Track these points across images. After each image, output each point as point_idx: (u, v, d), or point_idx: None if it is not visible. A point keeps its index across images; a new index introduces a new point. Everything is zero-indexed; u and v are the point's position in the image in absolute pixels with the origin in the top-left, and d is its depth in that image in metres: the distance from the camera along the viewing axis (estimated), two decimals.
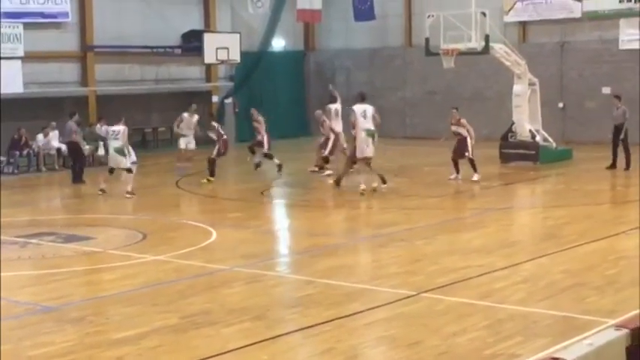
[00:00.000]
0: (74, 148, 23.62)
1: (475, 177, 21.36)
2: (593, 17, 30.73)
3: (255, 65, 33.92)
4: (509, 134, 25.48)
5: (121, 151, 20.21)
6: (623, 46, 30.24)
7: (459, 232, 15.58)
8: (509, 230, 16.33)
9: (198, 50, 31.28)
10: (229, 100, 33.38)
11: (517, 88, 25.48)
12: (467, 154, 21.34)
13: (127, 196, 19.97)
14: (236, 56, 31.93)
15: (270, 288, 11.79)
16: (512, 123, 25.38)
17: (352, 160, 20.12)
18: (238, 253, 13.97)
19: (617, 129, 23.42)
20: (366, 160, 19.72)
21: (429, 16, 25.88)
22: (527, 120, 25.38)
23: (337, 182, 20.57)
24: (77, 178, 23.14)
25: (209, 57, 31.26)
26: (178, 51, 32.71)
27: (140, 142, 30.97)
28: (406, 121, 34.97)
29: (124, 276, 12.38)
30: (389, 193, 20.19)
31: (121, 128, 20.28)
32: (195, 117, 24.85)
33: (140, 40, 31.19)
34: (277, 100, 35.38)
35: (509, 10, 32.20)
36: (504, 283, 11.45)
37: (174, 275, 12.40)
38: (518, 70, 25.40)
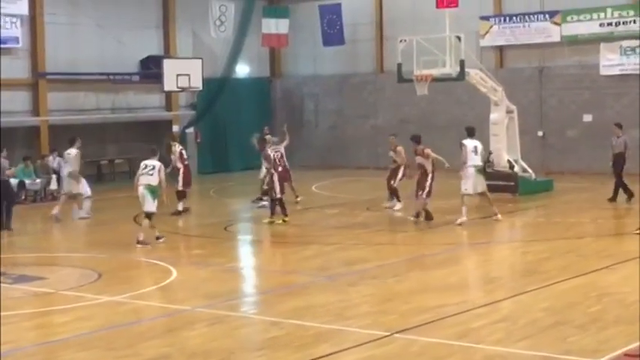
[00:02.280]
0: (5, 187, 21.35)
1: (397, 206, 22.36)
2: (573, 42, 31.15)
3: (218, 92, 33.97)
4: (487, 164, 25.59)
5: (74, 176, 20.17)
6: (603, 71, 30.64)
7: (434, 269, 15.64)
8: (486, 266, 16.42)
9: (158, 77, 31.31)
10: (191, 130, 33.37)
11: (494, 115, 25.70)
12: (392, 182, 22.18)
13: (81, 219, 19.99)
14: (198, 83, 32.00)
15: (234, 330, 11.75)
16: (490, 153, 25.54)
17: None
18: (200, 292, 13.92)
19: (617, 159, 23.49)
20: (482, 195, 20.91)
21: (401, 40, 26.07)
22: (505, 149, 25.59)
23: (428, 216, 20.74)
24: (6, 224, 20.83)
25: (169, 84, 31.30)
26: (136, 78, 32.71)
27: (95, 175, 30.85)
28: (378, 151, 35.07)
29: (77, 318, 12.28)
30: (359, 228, 20.25)
31: (73, 152, 20.26)
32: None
33: (96, 66, 31.18)
34: (242, 130, 35.35)
35: (485, 34, 32.56)
36: (482, 322, 11.49)
37: (131, 317, 12.34)
38: (495, 96, 25.63)
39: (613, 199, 23.24)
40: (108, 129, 32.28)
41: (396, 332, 11.03)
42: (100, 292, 13.87)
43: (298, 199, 24.20)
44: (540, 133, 31.67)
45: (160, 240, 18.38)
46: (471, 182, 20.36)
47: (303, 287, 14.32)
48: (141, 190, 18.40)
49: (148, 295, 13.65)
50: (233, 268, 16.75)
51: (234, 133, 34.32)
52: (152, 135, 33.77)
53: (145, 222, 18.50)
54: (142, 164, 18.75)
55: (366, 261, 16.29)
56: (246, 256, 18.74)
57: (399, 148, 22.51)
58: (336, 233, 19.75)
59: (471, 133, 20.83)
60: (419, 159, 20.96)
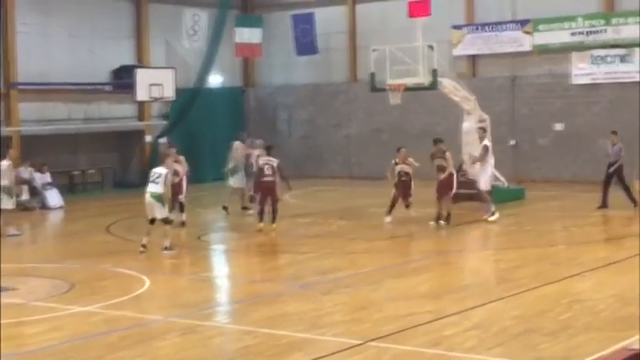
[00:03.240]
0: None
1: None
2: (544, 51, 31.39)
3: (191, 102, 33.89)
4: (459, 173, 25.71)
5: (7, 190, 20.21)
6: (574, 80, 30.91)
7: (407, 277, 15.69)
8: (459, 274, 16.50)
9: (130, 87, 31.20)
10: (164, 140, 33.26)
11: (466, 124, 25.83)
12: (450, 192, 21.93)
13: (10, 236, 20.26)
14: (170, 93, 31.92)
15: (208, 339, 11.72)
16: (462, 162, 25.66)
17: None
18: (173, 302, 13.91)
19: (612, 167, 23.58)
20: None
21: (374, 50, 26.19)
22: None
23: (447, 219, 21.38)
24: None
25: (141, 94, 31.21)
26: (108, 88, 32.61)
27: (67, 185, 30.73)
28: (351, 161, 35.20)
29: (48, 329, 12.21)
30: (333, 237, 20.29)
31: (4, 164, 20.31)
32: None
33: (67, 76, 31.05)
34: (215, 139, 35.34)
35: (458, 44, 32.75)
36: (454, 330, 11.55)
37: (103, 327, 12.28)
38: (467, 105, 25.77)
39: (603, 206, 23.36)
40: (80, 139, 32.14)
41: (370, 340, 11.06)
42: (71, 303, 13.80)
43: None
44: (512, 142, 31.86)
45: (167, 252, 18.24)
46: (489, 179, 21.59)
47: (277, 296, 14.32)
48: (147, 197, 18.33)
49: (121, 305, 13.60)
50: (206, 277, 16.73)
51: (207, 143, 34.26)
52: (124, 145, 33.80)
53: (166, 228, 18.39)
54: (152, 172, 18.63)
55: (340, 270, 16.32)
56: (219, 266, 18.73)
57: (448, 154, 22.08)
58: (309, 242, 19.79)
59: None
60: (439, 161, 21.72)
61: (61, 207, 26.84)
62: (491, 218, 21.62)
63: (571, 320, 11.97)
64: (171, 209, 19.48)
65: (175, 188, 21.13)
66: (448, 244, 19.49)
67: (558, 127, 31.25)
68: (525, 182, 29.07)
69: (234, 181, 24.45)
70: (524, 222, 22.32)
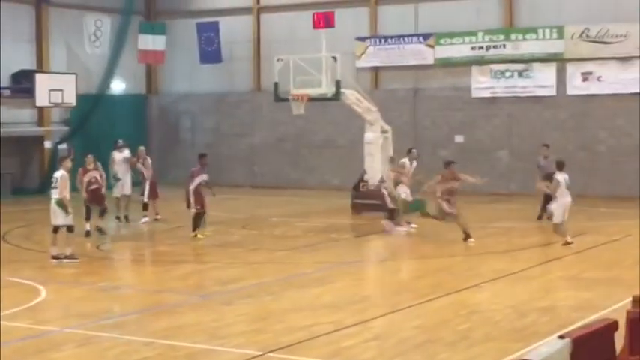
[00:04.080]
0: None
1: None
2: (446, 64, 31.86)
3: (92, 109, 33.48)
4: (361, 184, 25.92)
5: None
6: (475, 94, 31.45)
7: (308, 287, 15.67)
8: (360, 284, 16.56)
9: (30, 92, 30.64)
10: (64, 146, 32.70)
11: (369, 135, 26.03)
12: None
13: None
14: (72, 99, 31.46)
15: (105, 351, 11.50)
16: (364, 172, 25.85)
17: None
18: (70, 312, 13.63)
19: (547, 179, 23.87)
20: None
21: (278, 59, 26.18)
22: (379, 169, 25.88)
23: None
24: None
25: (41, 99, 30.69)
26: (7, 92, 31.94)
27: None
28: (254, 170, 35.12)
29: None
30: (234, 246, 20.19)
31: None
32: None
33: None
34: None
35: (362, 55, 33.00)
36: (354, 341, 11.57)
37: None
38: (370, 116, 25.96)
39: (540, 217, 23.69)
40: None
41: (270, 351, 11.00)
42: None
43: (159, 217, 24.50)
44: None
45: (68, 260, 17.87)
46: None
47: (176, 306, 14.16)
48: (51, 204, 18.02)
49: (15, 315, 13.25)
50: (105, 287, 16.40)
51: (108, 149, 33.69)
52: (23, 151, 33.09)
53: (69, 235, 18.08)
54: (53, 177, 18.32)
55: (242, 279, 16.25)
56: (118, 275, 18.42)
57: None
58: (211, 252, 19.65)
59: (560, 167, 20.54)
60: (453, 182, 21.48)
61: None
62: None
63: (470, 330, 12.12)
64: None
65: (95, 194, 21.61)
66: (349, 255, 19.56)
67: (459, 139, 31.73)
68: (426, 194, 29.33)
69: (115, 191, 24.45)
70: (424, 233, 22.52)
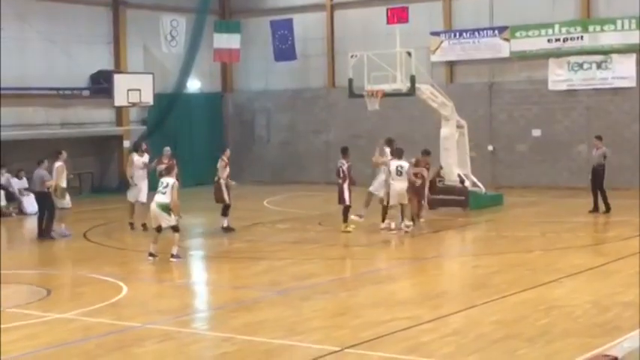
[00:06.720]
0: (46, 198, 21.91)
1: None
2: (522, 57, 31.53)
3: (169, 108, 33.85)
4: (437, 179, 25.80)
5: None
6: (552, 86, 31.06)
7: (385, 283, 15.69)
8: (437, 280, 16.50)
9: (108, 92, 31.12)
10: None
11: (444, 130, 25.89)
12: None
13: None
14: (149, 98, 31.84)
15: (185, 346, 11.67)
16: (440, 167, 25.73)
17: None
18: (151, 308, 13.84)
19: (596, 171, 23.76)
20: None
21: (352, 56, 26.16)
22: (455, 164, 25.77)
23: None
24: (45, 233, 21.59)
25: (120, 99, 31.12)
26: (86, 93, 32.51)
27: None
28: (329, 166, 35.10)
29: (24, 337, 12.11)
30: (310, 243, 20.28)
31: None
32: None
33: (45, 81, 30.89)
34: (193, 145, 35.32)
35: (436, 50, 32.83)
36: (432, 337, 11.55)
37: (80, 334, 12.21)
38: (445, 111, 25.82)
39: (595, 209, 23.51)
40: (57, 144, 31.87)
41: (347, 347, 11.04)
42: (48, 310, 13.72)
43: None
44: (490, 148, 31.97)
45: (174, 259, 18.04)
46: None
47: (255, 302, 14.28)
48: (153, 207, 18.21)
49: (98, 311, 13.52)
50: (184, 284, 16.67)
51: (185, 148, 34.15)
52: (102, 150, 33.65)
53: (175, 235, 18.24)
54: (160, 182, 18.44)
55: (318, 275, 16.31)
56: (197, 272, 18.66)
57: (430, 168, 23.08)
58: (287, 248, 19.77)
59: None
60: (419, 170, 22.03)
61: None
62: None
63: (549, 326, 12.00)
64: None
65: None
66: (426, 251, 19.50)
67: (536, 133, 31.39)
68: (503, 188, 29.17)
69: (130, 195, 23.29)
70: (502, 228, 22.36)
